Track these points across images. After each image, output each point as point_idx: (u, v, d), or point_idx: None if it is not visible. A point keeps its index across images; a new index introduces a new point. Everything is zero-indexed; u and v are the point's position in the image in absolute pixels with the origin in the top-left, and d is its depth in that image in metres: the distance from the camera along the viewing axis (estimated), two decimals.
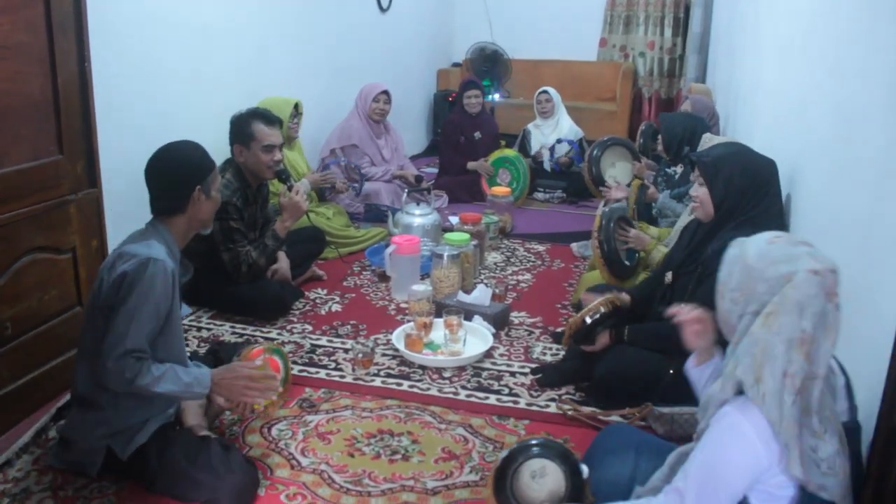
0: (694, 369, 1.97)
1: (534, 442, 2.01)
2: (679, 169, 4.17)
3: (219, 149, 3.81)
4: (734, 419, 1.49)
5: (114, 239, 2.80)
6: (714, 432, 1.53)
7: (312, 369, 3.12)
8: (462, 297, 3.62)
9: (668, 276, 2.78)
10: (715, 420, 1.53)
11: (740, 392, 1.51)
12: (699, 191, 2.60)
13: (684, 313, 1.95)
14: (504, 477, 1.95)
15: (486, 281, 4.04)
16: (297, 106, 4.47)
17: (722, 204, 2.55)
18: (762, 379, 1.45)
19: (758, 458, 1.46)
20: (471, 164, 5.97)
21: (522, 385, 3.02)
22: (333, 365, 3.17)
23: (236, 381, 2.29)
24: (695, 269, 2.64)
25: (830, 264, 1.48)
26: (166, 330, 2.25)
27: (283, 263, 3.75)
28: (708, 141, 3.66)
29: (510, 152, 5.87)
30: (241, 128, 3.52)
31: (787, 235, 1.59)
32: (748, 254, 1.55)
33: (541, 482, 1.92)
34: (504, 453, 2.00)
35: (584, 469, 1.95)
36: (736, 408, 1.49)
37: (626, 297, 2.90)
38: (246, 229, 3.56)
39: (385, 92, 5.34)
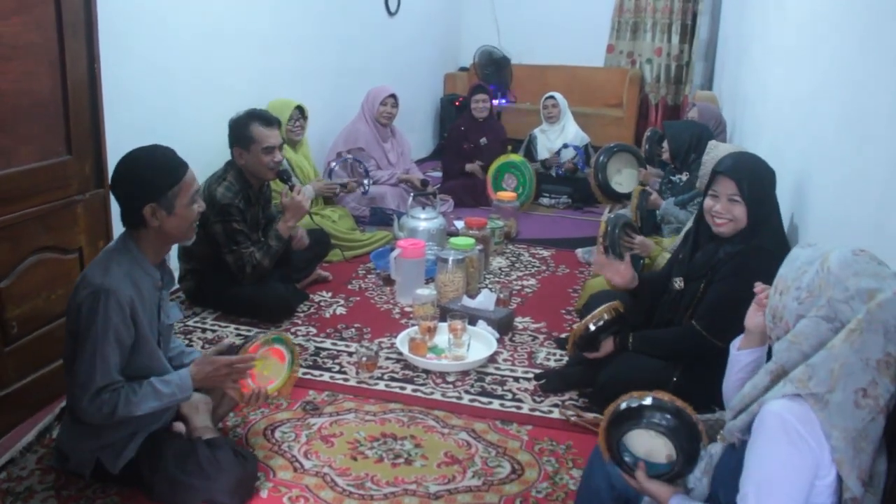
0: (736, 352, 1.91)
1: (685, 419, 1.84)
2: (684, 176, 4.16)
3: (225, 150, 3.83)
4: (784, 421, 1.45)
5: None
6: (765, 441, 1.48)
7: (316, 372, 3.12)
8: (466, 301, 3.62)
9: (679, 282, 2.76)
10: (759, 425, 1.49)
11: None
12: (733, 208, 2.50)
13: (760, 287, 1.90)
14: (628, 418, 1.85)
15: (490, 286, 4.05)
16: (302, 109, 4.47)
17: (758, 216, 2.51)
18: (833, 390, 1.43)
19: (813, 455, 1.43)
20: (469, 167, 5.99)
21: (526, 390, 3.02)
22: (337, 368, 3.17)
23: (217, 372, 2.28)
24: (704, 274, 2.63)
25: None
26: (137, 353, 2.20)
27: (300, 231, 3.75)
28: (713, 148, 3.65)
29: (516, 157, 5.87)
30: (240, 131, 3.52)
31: (868, 251, 1.53)
32: (830, 259, 1.50)
33: (653, 435, 1.81)
34: (647, 400, 1.84)
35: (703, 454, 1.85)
36: (783, 408, 1.46)
37: (634, 274, 2.89)
38: (249, 230, 3.57)
39: (392, 95, 5.34)
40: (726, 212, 2.52)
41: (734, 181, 2.50)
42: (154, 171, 2.21)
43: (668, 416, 1.81)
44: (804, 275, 1.53)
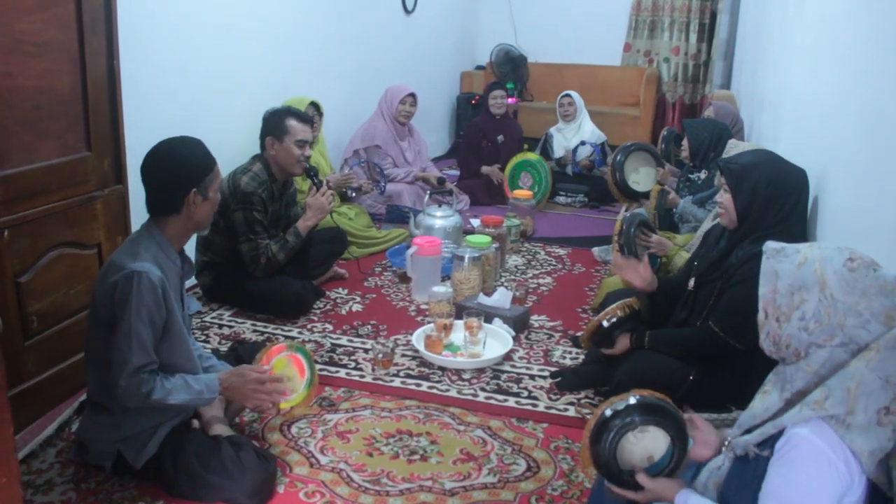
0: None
1: (650, 403, 1.82)
2: (703, 175, 4.15)
3: (243, 147, 3.86)
4: (814, 446, 1.42)
5: None
6: (794, 462, 1.45)
7: (332, 368, 3.13)
8: (482, 299, 3.63)
9: (692, 282, 2.76)
10: (788, 447, 1.46)
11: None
12: (724, 197, 2.58)
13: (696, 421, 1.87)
14: (607, 430, 1.80)
15: (506, 284, 4.05)
16: (317, 106, 4.49)
17: (746, 213, 2.53)
18: (854, 412, 1.41)
19: (842, 480, 1.41)
20: (485, 169, 5.98)
21: (541, 388, 3.02)
22: (353, 364, 3.18)
23: (245, 386, 2.32)
24: (719, 276, 2.63)
25: None
26: (167, 336, 2.24)
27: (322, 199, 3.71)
28: (733, 147, 3.64)
29: (532, 156, 5.86)
30: (276, 122, 3.57)
31: (859, 254, 1.48)
32: (828, 282, 1.45)
33: (639, 437, 1.80)
34: (619, 406, 1.81)
35: (691, 442, 1.84)
36: (812, 433, 1.43)
37: (653, 277, 2.88)
38: (269, 224, 3.59)
39: (412, 94, 5.36)
40: (721, 200, 2.59)
41: (722, 168, 2.60)
42: (196, 157, 2.33)
43: (639, 412, 1.79)
44: (804, 304, 1.48)
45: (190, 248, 3.53)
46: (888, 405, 1.41)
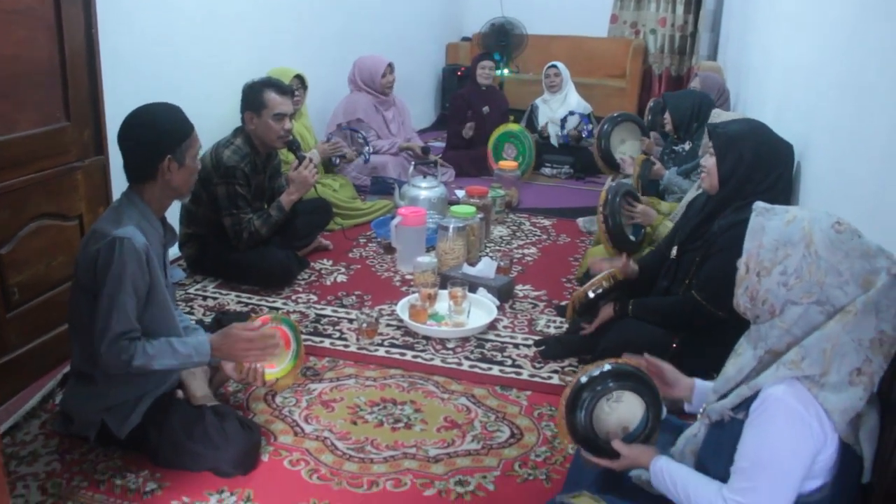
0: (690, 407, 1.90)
1: (624, 370, 1.85)
2: (687, 146, 4.15)
3: (225, 117, 3.82)
4: (788, 405, 1.44)
5: None
6: (768, 422, 1.47)
7: (317, 338, 3.14)
8: (467, 269, 3.63)
9: (674, 250, 2.78)
10: (763, 408, 1.48)
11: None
12: (709, 161, 2.58)
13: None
14: (581, 398, 1.82)
15: (491, 254, 4.05)
16: (301, 79, 4.45)
17: (728, 179, 2.54)
18: (828, 373, 1.43)
19: (815, 439, 1.44)
20: (465, 130, 5.97)
21: (525, 357, 3.04)
22: (338, 334, 3.19)
23: (236, 344, 2.29)
24: (701, 245, 2.64)
25: None
26: (150, 303, 2.22)
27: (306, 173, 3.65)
28: (717, 116, 3.64)
29: (515, 127, 5.84)
30: (254, 95, 3.52)
31: (847, 221, 1.50)
32: (814, 240, 1.47)
33: (614, 406, 1.82)
34: (594, 372, 1.83)
35: (665, 410, 1.87)
36: (786, 392, 1.45)
37: (634, 266, 2.90)
38: (252, 197, 3.57)
39: (389, 64, 5.34)
40: (705, 164, 2.60)
41: (710, 132, 2.60)
42: (171, 123, 2.29)
43: (614, 378, 1.81)
44: (788, 258, 1.49)
45: (174, 220, 3.52)
46: (860, 366, 1.43)
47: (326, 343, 3.11)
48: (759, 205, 1.62)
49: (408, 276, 3.81)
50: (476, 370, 2.93)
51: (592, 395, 1.80)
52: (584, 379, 1.83)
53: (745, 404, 1.53)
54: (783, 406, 1.45)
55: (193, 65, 4.04)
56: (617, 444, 1.77)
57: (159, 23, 3.75)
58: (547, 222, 4.82)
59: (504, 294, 3.53)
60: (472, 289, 3.42)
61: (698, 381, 1.89)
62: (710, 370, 2.43)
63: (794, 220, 1.52)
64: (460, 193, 4.81)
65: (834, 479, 1.48)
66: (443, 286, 3.40)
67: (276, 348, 2.38)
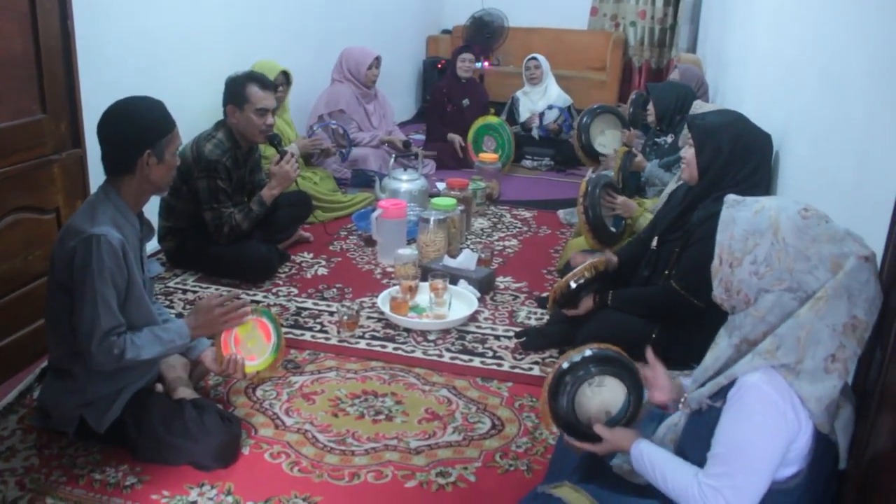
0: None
1: (605, 355, 1.86)
2: (669, 138, 4.16)
3: (205, 110, 3.80)
4: (764, 393, 1.45)
5: None
6: (744, 410, 1.48)
7: (298, 331, 3.13)
8: (448, 261, 3.63)
9: (654, 241, 2.80)
10: (739, 395, 1.49)
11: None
12: (688, 152, 2.60)
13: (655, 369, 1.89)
14: (563, 383, 1.84)
15: (472, 246, 4.05)
16: (287, 75, 4.42)
17: (707, 170, 2.55)
18: (803, 360, 1.44)
19: (790, 427, 1.45)
20: (451, 136, 5.95)
21: (506, 348, 3.04)
22: (319, 327, 3.18)
23: (209, 313, 2.32)
24: (680, 235, 2.66)
25: (870, 248, 1.45)
26: (128, 299, 2.21)
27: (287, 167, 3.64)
28: (698, 108, 3.66)
29: (494, 119, 5.84)
30: (236, 89, 3.50)
31: (814, 208, 1.51)
32: (781, 227, 1.48)
33: (596, 391, 1.83)
34: (576, 357, 1.85)
35: (646, 393, 1.87)
36: (762, 381, 1.46)
37: (614, 258, 2.92)
38: (233, 191, 3.55)
39: (377, 58, 5.32)
40: (685, 155, 2.62)
41: (689, 123, 2.62)
42: (153, 118, 2.27)
43: (595, 363, 1.83)
44: (757, 248, 1.51)
45: (153, 214, 3.50)
46: (834, 353, 1.44)
47: (307, 336, 3.10)
48: (729, 197, 1.64)
49: (389, 269, 3.80)
50: (457, 362, 2.93)
51: (574, 379, 1.82)
52: (565, 364, 1.84)
53: (722, 393, 1.55)
54: (758, 394, 1.46)
55: (173, 56, 4.00)
56: (599, 429, 1.78)
57: (138, 13, 3.71)
58: (528, 214, 4.83)
59: (485, 286, 3.53)
60: (453, 281, 3.42)
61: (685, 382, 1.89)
62: (688, 360, 2.45)
63: (762, 210, 1.53)
64: (441, 186, 4.81)
65: (809, 467, 1.50)
66: (424, 278, 3.40)
67: (248, 312, 2.40)
